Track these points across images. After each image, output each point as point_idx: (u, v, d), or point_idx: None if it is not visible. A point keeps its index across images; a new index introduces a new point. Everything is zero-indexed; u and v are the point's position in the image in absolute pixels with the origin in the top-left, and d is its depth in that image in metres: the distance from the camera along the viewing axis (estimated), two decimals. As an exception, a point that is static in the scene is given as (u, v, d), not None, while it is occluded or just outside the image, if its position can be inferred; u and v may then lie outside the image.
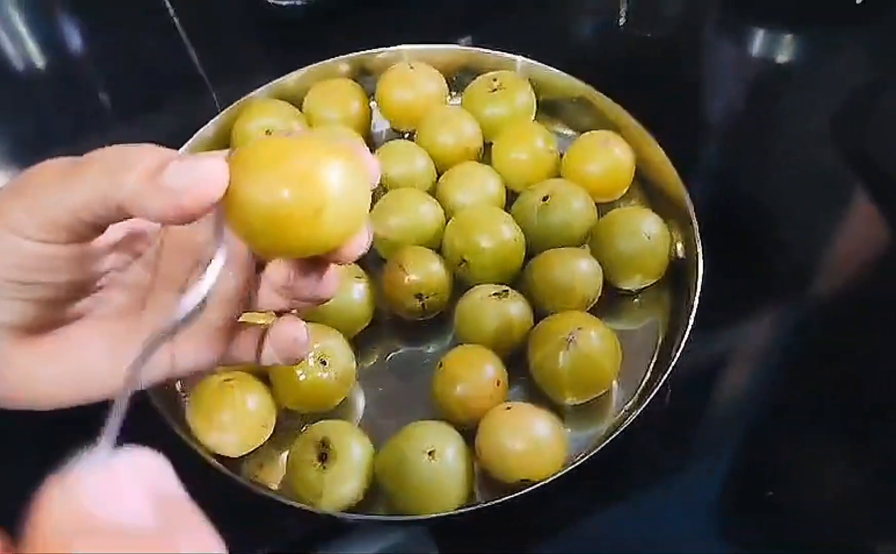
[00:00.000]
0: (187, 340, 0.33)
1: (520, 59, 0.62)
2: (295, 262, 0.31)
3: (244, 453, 0.48)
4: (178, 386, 0.51)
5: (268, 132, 0.57)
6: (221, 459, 0.47)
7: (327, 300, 0.33)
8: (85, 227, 0.28)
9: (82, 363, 0.31)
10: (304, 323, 0.35)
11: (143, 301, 0.33)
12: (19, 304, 0.29)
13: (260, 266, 0.33)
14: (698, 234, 0.51)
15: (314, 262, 0.32)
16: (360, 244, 0.31)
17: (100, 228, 0.29)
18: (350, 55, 0.63)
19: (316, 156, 0.27)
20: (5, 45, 0.75)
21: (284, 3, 0.69)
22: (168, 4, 0.74)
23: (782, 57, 0.72)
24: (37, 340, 0.31)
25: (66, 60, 0.75)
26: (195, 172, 0.26)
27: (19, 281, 0.29)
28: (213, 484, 0.46)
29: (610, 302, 0.53)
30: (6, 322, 0.30)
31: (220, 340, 0.34)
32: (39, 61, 0.75)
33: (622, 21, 0.74)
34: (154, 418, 0.46)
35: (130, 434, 0.50)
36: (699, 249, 0.51)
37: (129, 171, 0.26)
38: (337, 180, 0.27)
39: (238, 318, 0.34)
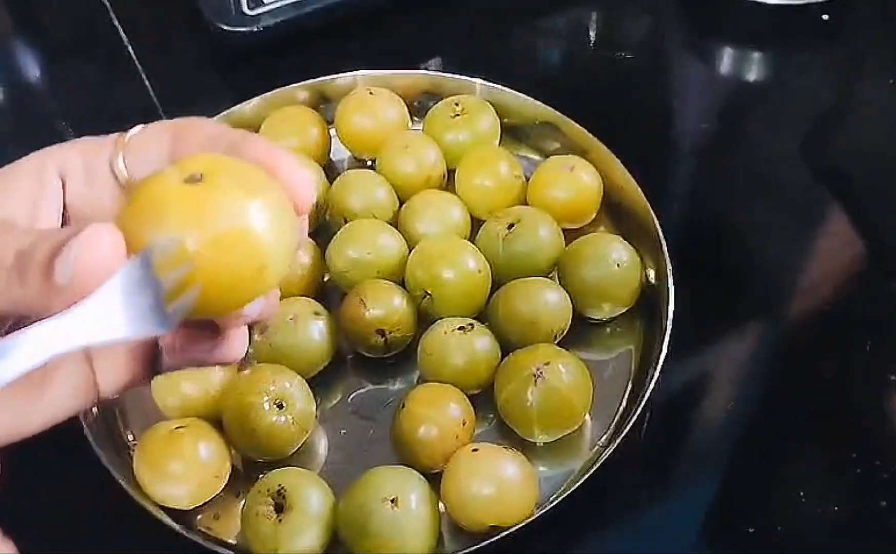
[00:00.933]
0: (106, 355, 0.29)
1: (479, 82, 0.60)
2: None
3: (196, 505, 0.45)
4: (125, 435, 0.48)
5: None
6: (171, 512, 0.44)
7: (230, 363, 0.29)
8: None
9: None
10: None
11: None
12: None
13: None
14: (668, 260, 0.50)
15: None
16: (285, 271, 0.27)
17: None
18: (307, 82, 0.61)
19: (244, 204, 0.23)
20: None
21: (241, 30, 0.67)
22: (123, 33, 0.72)
23: (751, 75, 0.71)
24: None
25: (21, 91, 0.72)
26: (81, 258, 0.22)
27: None
28: (162, 540, 0.43)
29: (580, 333, 0.51)
30: None
31: (146, 353, 0.29)
32: None
33: (591, 44, 0.72)
34: (96, 469, 0.43)
35: (73, 485, 0.47)
36: (670, 275, 0.49)
37: (21, 280, 0.23)
38: (275, 225, 0.24)
39: None
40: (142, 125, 0.29)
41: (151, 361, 0.29)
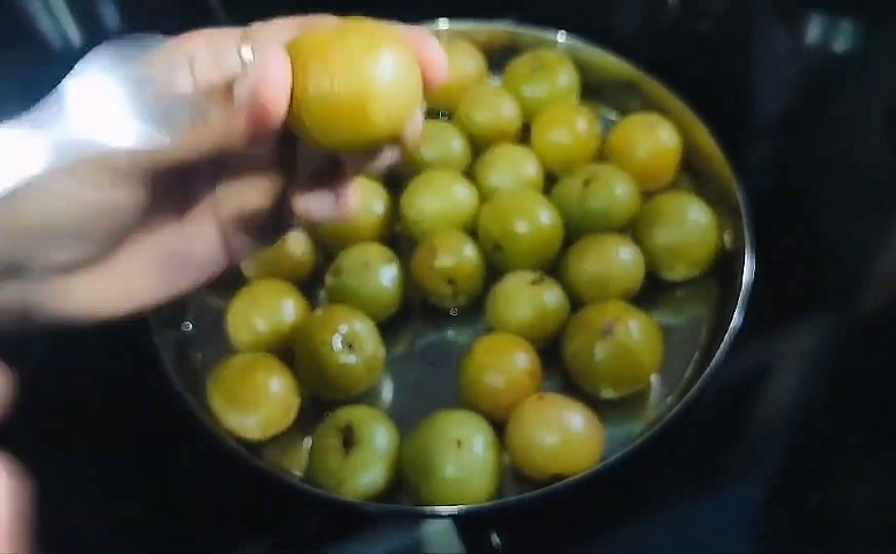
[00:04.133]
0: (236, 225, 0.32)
1: (562, 36, 0.59)
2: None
3: (265, 437, 0.46)
4: (196, 359, 0.50)
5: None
6: (242, 442, 0.45)
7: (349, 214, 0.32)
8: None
9: (131, 281, 0.31)
10: None
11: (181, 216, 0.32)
12: (90, 244, 0.29)
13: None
14: (747, 225, 0.49)
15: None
16: (414, 131, 0.30)
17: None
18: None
19: (360, 47, 0.27)
20: (43, 23, 0.74)
21: (322, -20, 0.68)
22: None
23: (839, 45, 0.68)
24: (97, 267, 0.30)
25: (104, 38, 0.74)
26: (256, 76, 0.25)
27: (86, 227, 0.28)
28: (232, 469, 0.45)
29: (652, 293, 0.50)
30: (69, 260, 0.29)
31: (269, 217, 0.32)
32: (76, 39, 0.74)
33: (676, 3, 0.71)
34: (173, 398, 0.45)
35: (150, 412, 0.48)
36: (747, 240, 0.48)
37: (204, 118, 0.27)
38: (382, 71, 0.27)
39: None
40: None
41: (273, 224, 0.32)
